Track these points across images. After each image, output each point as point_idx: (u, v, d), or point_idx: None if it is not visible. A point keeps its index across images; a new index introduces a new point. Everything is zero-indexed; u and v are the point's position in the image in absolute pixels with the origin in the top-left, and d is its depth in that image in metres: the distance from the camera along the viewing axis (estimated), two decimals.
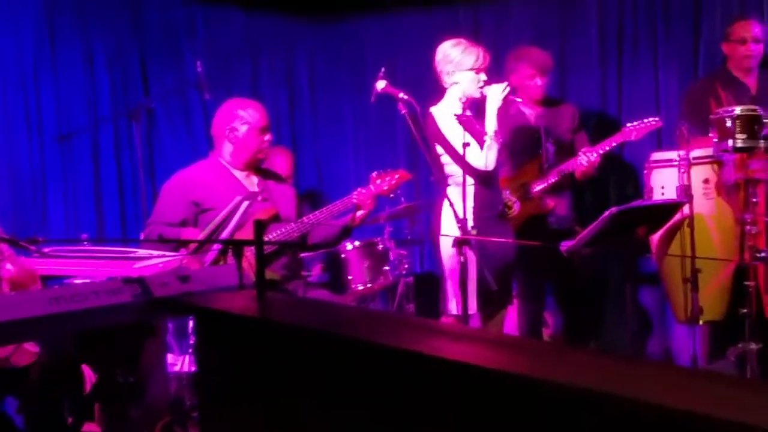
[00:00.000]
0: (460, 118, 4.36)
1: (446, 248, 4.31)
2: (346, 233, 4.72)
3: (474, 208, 4.21)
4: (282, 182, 4.88)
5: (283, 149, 5.87)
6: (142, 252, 3.39)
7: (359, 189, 4.60)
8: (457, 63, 4.48)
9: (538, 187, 5.13)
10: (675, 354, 5.60)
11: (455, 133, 4.34)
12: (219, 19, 6.39)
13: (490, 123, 4.39)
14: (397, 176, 4.71)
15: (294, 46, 6.66)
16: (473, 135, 4.34)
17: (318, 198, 6.49)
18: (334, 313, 2.29)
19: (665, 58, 6.04)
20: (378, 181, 4.70)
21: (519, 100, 4.73)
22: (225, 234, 4.29)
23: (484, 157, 4.35)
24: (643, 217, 4.47)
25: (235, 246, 3.26)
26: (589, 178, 5.28)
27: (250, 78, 6.53)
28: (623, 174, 6.05)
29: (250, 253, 3.55)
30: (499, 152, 4.45)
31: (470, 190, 4.29)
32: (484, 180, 4.41)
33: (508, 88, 4.41)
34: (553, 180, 5.16)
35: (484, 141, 4.37)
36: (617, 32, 6.14)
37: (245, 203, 4.34)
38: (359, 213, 4.60)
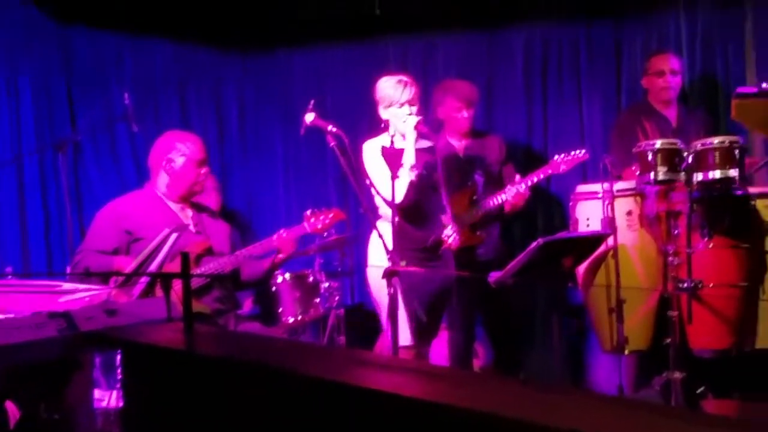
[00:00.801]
0: (384, 151, 4.38)
1: (375, 280, 4.31)
2: (270, 273, 4.74)
3: (400, 241, 4.21)
4: (216, 216, 4.87)
5: (212, 182, 5.82)
6: (67, 286, 3.34)
7: (281, 231, 4.60)
8: (383, 98, 4.53)
9: (473, 220, 5.16)
10: (602, 384, 5.65)
11: (376, 166, 4.38)
12: (147, 50, 6.35)
13: (407, 156, 4.42)
14: (331, 215, 4.74)
15: (223, 77, 6.63)
16: (394, 169, 4.37)
17: (248, 230, 6.44)
18: (262, 345, 2.28)
19: (589, 92, 6.16)
20: (312, 220, 4.71)
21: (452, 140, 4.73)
22: (153, 266, 4.25)
23: (397, 190, 4.36)
24: (569, 249, 4.51)
25: (164, 279, 3.22)
26: (518, 211, 5.32)
27: (179, 109, 6.48)
28: (550, 206, 6.12)
29: (179, 285, 3.51)
30: (418, 186, 4.45)
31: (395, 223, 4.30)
32: (404, 213, 4.41)
33: (417, 119, 4.44)
34: (486, 212, 5.18)
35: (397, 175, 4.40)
36: (542, 66, 6.24)
37: (173, 235, 4.30)
38: (279, 256, 4.62)
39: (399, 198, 4.36)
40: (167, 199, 4.61)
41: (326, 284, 5.49)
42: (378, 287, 4.35)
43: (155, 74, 6.40)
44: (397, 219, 4.31)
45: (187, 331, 2.31)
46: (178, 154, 4.61)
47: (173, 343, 2.23)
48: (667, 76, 5.47)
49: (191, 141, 4.68)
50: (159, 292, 4.16)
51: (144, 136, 5.79)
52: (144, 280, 4.25)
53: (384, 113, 4.53)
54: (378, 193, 4.38)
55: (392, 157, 4.41)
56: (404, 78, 4.56)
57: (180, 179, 4.60)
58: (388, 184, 4.26)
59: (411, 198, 4.42)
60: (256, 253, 4.56)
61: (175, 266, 4.22)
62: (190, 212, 4.66)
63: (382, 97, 4.53)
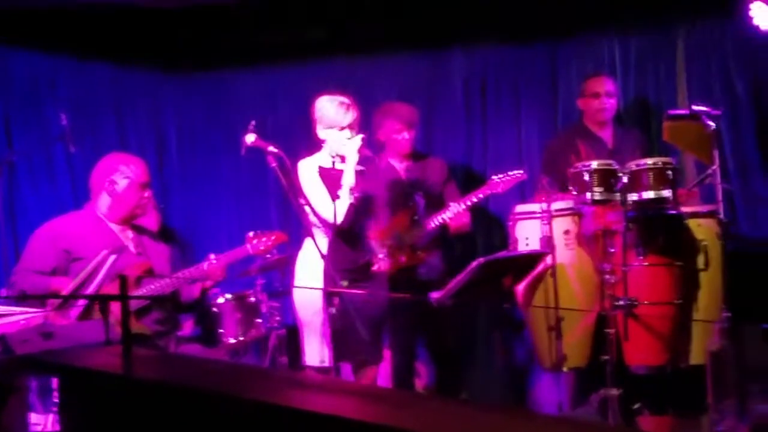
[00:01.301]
0: (323, 172, 4.37)
1: (306, 300, 4.28)
2: (202, 299, 4.70)
3: (336, 261, 4.20)
4: (157, 238, 4.83)
5: (152, 204, 5.74)
6: (2, 309, 3.27)
7: (211, 257, 4.55)
8: (322, 119, 4.52)
9: (414, 240, 5.16)
10: (542, 401, 5.69)
11: (313, 187, 4.37)
12: (84, 71, 6.27)
13: (347, 178, 4.42)
14: (273, 237, 4.74)
15: (162, 98, 6.57)
16: (330, 189, 4.36)
17: (189, 252, 6.37)
18: (202, 368, 2.25)
19: (527, 113, 6.22)
20: (254, 242, 4.68)
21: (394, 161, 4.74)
22: (92, 288, 4.19)
23: (334, 212, 4.38)
24: (508, 268, 4.55)
25: (102, 301, 3.17)
26: (464, 234, 5.33)
27: (117, 131, 6.41)
28: (490, 226, 6.15)
29: (118, 307, 3.46)
30: (357, 208, 4.46)
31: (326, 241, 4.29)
32: (339, 234, 4.40)
33: (360, 141, 4.45)
34: (426, 232, 5.17)
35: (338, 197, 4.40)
36: (481, 88, 6.29)
37: (112, 257, 4.25)
38: (207, 283, 4.58)
39: (340, 220, 4.35)
40: (108, 220, 4.56)
41: (267, 304, 5.45)
42: (302, 302, 4.33)
43: (93, 95, 6.32)
44: (333, 239, 4.31)
45: (125, 354, 2.27)
46: (121, 176, 4.57)
47: (110, 367, 2.19)
48: (602, 98, 5.53)
49: (135, 164, 4.65)
50: (98, 314, 4.09)
51: (82, 158, 5.71)
52: (82, 302, 4.18)
53: (322, 133, 4.53)
54: (314, 212, 4.37)
55: (331, 178, 4.41)
56: (345, 100, 4.56)
57: (122, 201, 4.56)
58: (324, 204, 4.26)
59: (350, 220, 4.42)
60: (188, 276, 4.51)
61: (114, 288, 4.16)
62: (130, 233, 4.61)
63: (321, 118, 4.53)
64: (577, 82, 5.90)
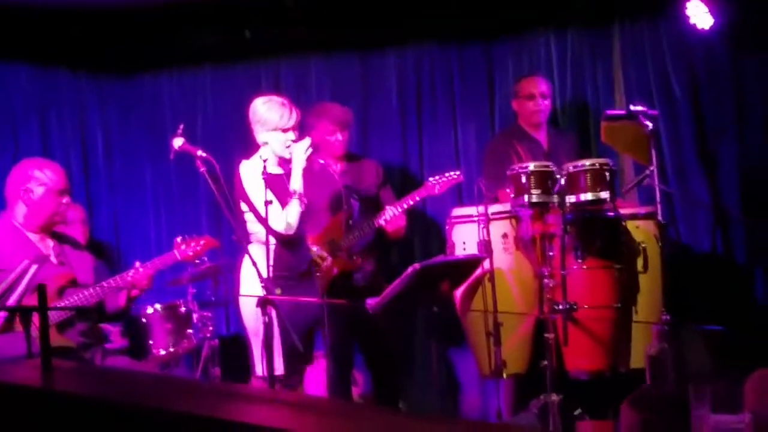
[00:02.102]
0: (266, 177, 4.33)
1: (249, 309, 4.25)
2: (127, 308, 4.62)
3: (274, 268, 4.17)
4: (80, 247, 4.72)
5: (79, 213, 5.65)
6: None
7: (137, 265, 4.48)
8: (264, 121, 4.47)
9: (349, 245, 5.15)
10: (481, 408, 5.71)
11: (259, 191, 4.31)
12: (2, 74, 6.15)
13: (295, 183, 4.39)
14: (202, 242, 4.66)
15: (86, 103, 6.46)
16: (277, 195, 4.32)
17: (117, 261, 6.29)
18: (127, 381, 2.21)
19: (463, 115, 6.23)
20: (183, 247, 4.61)
21: (321, 161, 4.74)
22: (12, 300, 4.08)
23: (284, 218, 4.34)
24: (446, 273, 4.54)
25: (22, 313, 3.10)
26: (400, 238, 5.32)
27: (39, 136, 6.29)
28: (427, 230, 6.16)
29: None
30: (304, 214, 4.44)
31: (271, 250, 4.25)
32: (286, 241, 4.38)
33: (309, 147, 4.43)
34: (362, 236, 5.18)
35: (288, 202, 4.37)
36: (416, 89, 6.30)
37: (33, 267, 4.15)
38: (133, 292, 4.50)
39: (293, 227, 4.33)
40: (25, 229, 4.45)
41: (199, 314, 5.41)
42: (250, 316, 4.29)
43: (13, 99, 6.21)
44: (276, 246, 4.27)
45: (45, 367, 2.22)
46: (36, 184, 4.44)
47: (30, 381, 2.14)
48: (537, 99, 5.55)
49: (51, 169, 4.51)
50: (20, 326, 4.00)
51: (2, 164, 5.59)
52: (2, 314, 4.09)
53: (262, 136, 4.47)
54: (259, 218, 4.32)
55: (276, 183, 4.36)
56: (286, 101, 4.52)
57: (39, 209, 4.44)
58: (271, 209, 4.21)
59: (298, 227, 4.40)
60: (113, 286, 4.42)
61: (36, 299, 4.06)
62: (51, 243, 4.50)
63: (261, 120, 4.46)
64: (513, 82, 5.91)
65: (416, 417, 1.81)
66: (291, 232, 4.36)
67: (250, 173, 4.41)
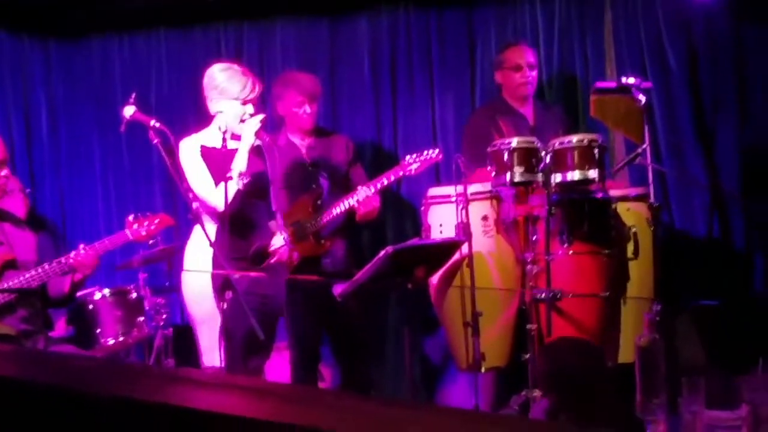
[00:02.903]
0: (207, 152, 4.32)
1: (195, 292, 4.25)
2: (72, 294, 4.61)
3: (226, 249, 4.16)
4: (20, 225, 4.70)
5: (16, 184, 5.63)
6: None
7: (80, 247, 4.46)
8: (222, 90, 4.45)
9: (318, 227, 5.15)
10: (458, 404, 5.74)
11: (196, 169, 4.32)
12: None
13: (239, 162, 4.38)
14: (157, 221, 4.63)
15: (30, 68, 6.44)
16: (214, 172, 4.31)
17: (61, 241, 6.27)
18: (69, 365, 2.22)
19: (441, 88, 6.25)
20: (135, 226, 4.59)
21: (289, 136, 4.71)
22: None
23: (220, 198, 4.33)
24: (421, 257, 4.56)
25: None
26: (373, 221, 5.35)
27: None
28: (401, 211, 6.19)
29: None
30: (247, 194, 4.42)
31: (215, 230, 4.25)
32: (227, 221, 4.36)
33: (260, 123, 4.41)
34: (332, 217, 5.20)
35: (228, 180, 4.36)
36: (390, 58, 6.31)
37: None
38: (77, 276, 4.48)
39: (222, 207, 4.30)
40: None
41: (152, 301, 5.40)
42: (196, 300, 4.29)
43: None
44: (217, 227, 4.26)
45: None
46: None
47: None
48: (524, 70, 5.55)
49: None
50: None
51: None
52: None
53: (216, 105, 4.47)
54: (196, 197, 4.32)
55: (216, 159, 4.35)
56: (247, 72, 4.51)
57: None
58: (207, 189, 4.21)
59: (236, 207, 4.37)
60: (57, 269, 4.40)
61: None
62: None
63: (220, 87, 4.45)
64: (496, 52, 5.92)
65: (390, 402, 1.83)
66: (226, 211, 4.31)
67: (187, 150, 4.42)
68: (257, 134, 4.38)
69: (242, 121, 4.43)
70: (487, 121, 5.51)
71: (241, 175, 4.34)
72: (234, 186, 4.33)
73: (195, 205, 4.37)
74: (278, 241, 4.48)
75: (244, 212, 4.43)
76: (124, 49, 6.50)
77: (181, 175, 4.30)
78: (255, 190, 4.45)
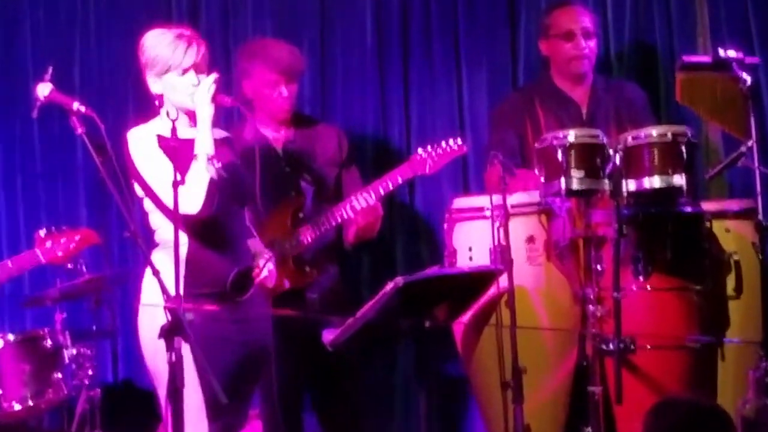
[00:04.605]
0: (164, 144, 4.23)
1: (151, 341, 4.15)
2: None
3: (190, 280, 4.08)
4: None
5: None
6: None
7: None
8: (154, 62, 4.38)
9: (299, 248, 5.15)
10: None
11: (158, 162, 4.23)
12: None
13: (203, 140, 4.28)
14: (77, 237, 4.65)
15: None
16: (177, 167, 4.21)
17: None
18: None
19: (470, 61, 6.23)
20: (48, 244, 4.56)
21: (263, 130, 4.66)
22: None
23: (188, 193, 4.22)
24: (442, 293, 4.55)
25: None
26: (373, 239, 5.32)
27: None
28: (415, 228, 6.17)
29: None
30: (224, 187, 4.33)
31: (183, 252, 4.15)
32: (201, 235, 4.26)
33: (214, 84, 4.33)
34: (318, 235, 5.17)
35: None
36: (401, 21, 6.29)
37: None
38: None
39: (195, 206, 4.20)
40: None
41: (73, 350, 5.36)
42: (154, 348, 4.19)
43: None
44: (188, 246, 4.18)
45: None
46: None
47: None
48: (577, 38, 5.52)
49: None
50: None
51: None
52: None
53: (156, 84, 4.39)
54: (158, 204, 4.23)
55: (176, 150, 4.25)
56: (185, 32, 4.45)
57: None
58: (181, 191, 4.11)
59: (212, 205, 4.27)
60: None
61: None
62: None
63: (151, 60, 4.38)
64: (543, 13, 5.88)
65: None
66: (201, 212, 4.23)
67: (140, 142, 4.33)
68: (215, 99, 4.30)
69: (190, 94, 4.35)
70: (519, 107, 5.55)
71: (210, 159, 4.25)
72: (204, 174, 4.22)
73: (154, 218, 4.29)
74: (262, 261, 4.42)
75: (217, 223, 4.34)
76: (38, 6, 6.43)
77: (119, 176, 4.19)
78: (231, 189, 4.37)
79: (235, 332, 4.29)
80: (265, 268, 4.42)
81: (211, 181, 4.23)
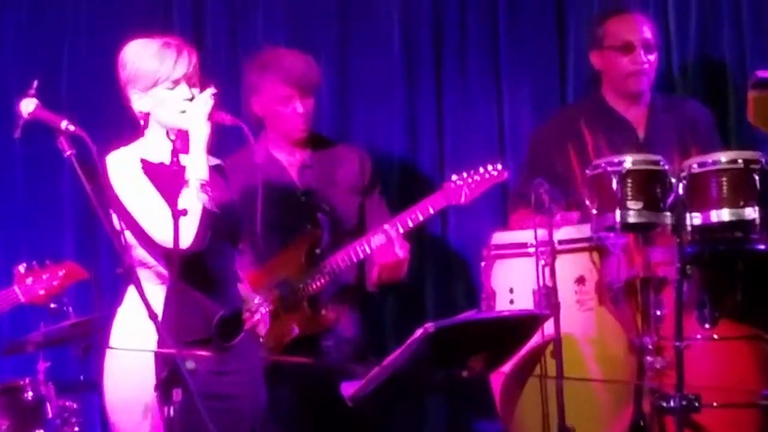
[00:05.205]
0: (150, 168, 4.24)
1: (128, 394, 4.17)
2: None
3: (164, 323, 4.07)
4: None
5: None
6: None
7: None
8: (137, 77, 4.38)
9: (314, 289, 5.16)
10: None
11: (141, 188, 4.24)
12: None
13: (197, 165, 4.29)
14: (61, 273, 4.68)
15: None
16: (168, 195, 4.23)
17: None
18: None
19: (512, 74, 6.26)
20: (28, 281, 4.57)
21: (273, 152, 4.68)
22: None
23: (185, 229, 4.17)
24: (478, 340, 4.54)
25: None
26: (400, 280, 5.34)
27: None
28: (448, 266, 6.19)
29: None
30: (217, 220, 4.34)
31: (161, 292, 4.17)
32: (187, 271, 4.21)
33: (211, 98, 4.33)
34: (336, 274, 5.19)
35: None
36: (433, 27, 6.31)
37: None
38: None
39: (186, 239, 4.20)
40: None
41: (57, 404, 5.36)
42: (126, 410, 4.21)
43: None
44: (168, 283, 4.18)
45: None
46: None
47: None
48: (637, 51, 5.54)
49: None
50: None
51: None
52: None
53: (141, 101, 4.39)
54: (140, 237, 4.24)
55: (164, 177, 4.26)
56: (171, 40, 4.46)
57: None
58: (158, 219, 4.12)
59: (205, 239, 4.27)
60: None
61: None
62: None
63: (135, 74, 4.37)
64: (595, 21, 5.86)
65: None
66: (192, 246, 4.24)
67: (122, 166, 4.32)
68: (213, 117, 4.30)
69: (183, 112, 4.35)
70: (562, 129, 5.57)
71: (203, 185, 4.24)
72: (195, 202, 4.23)
73: (138, 251, 4.30)
74: (255, 303, 4.41)
75: (205, 262, 4.35)
76: (19, 6, 6.49)
77: (111, 205, 4.21)
78: (222, 224, 4.37)
79: (219, 386, 4.29)
80: (258, 312, 4.42)
81: (204, 211, 4.23)
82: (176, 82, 4.32)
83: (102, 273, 5.73)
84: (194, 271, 4.23)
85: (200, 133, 4.26)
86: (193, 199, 4.19)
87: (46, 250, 5.96)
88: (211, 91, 4.30)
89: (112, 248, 4.52)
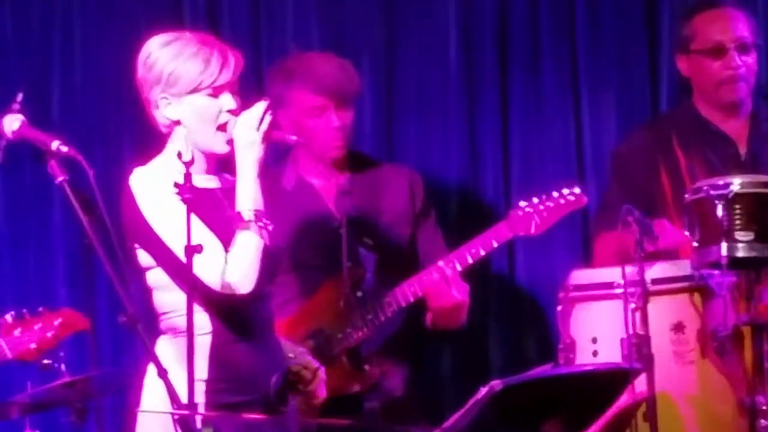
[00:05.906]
0: (185, 192, 4.20)
1: None
2: None
3: (208, 382, 4.04)
4: None
5: None
6: None
7: None
8: (170, 79, 4.34)
9: (356, 340, 5.19)
10: None
11: (174, 223, 4.20)
12: None
13: (245, 196, 4.26)
14: (57, 323, 4.69)
15: None
16: (212, 225, 4.19)
17: None
18: None
19: (593, 82, 6.28)
20: (16, 332, 4.58)
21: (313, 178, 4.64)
22: None
23: (227, 267, 4.20)
24: (554, 400, 4.45)
25: None
26: (458, 327, 5.31)
27: None
28: (518, 310, 6.18)
29: None
30: (276, 257, 4.31)
31: (204, 343, 4.12)
32: (233, 320, 4.25)
33: (268, 116, 4.28)
34: (381, 322, 5.19)
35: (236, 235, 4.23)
36: (498, 31, 6.34)
37: None
38: None
39: (247, 283, 4.19)
40: None
41: None
42: None
43: None
44: (212, 336, 4.16)
45: None
46: None
47: None
48: (730, 54, 5.54)
49: None
50: None
51: None
52: None
53: (172, 108, 4.36)
54: (176, 277, 4.19)
55: (206, 206, 4.23)
56: (209, 39, 4.43)
57: None
58: (213, 254, 4.08)
59: (268, 281, 4.26)
60: None
61: None
62: None
63: (170, 76, 4.35)
64: (682, 19, 5.88)
65: None
66: (246, 291, 4.21)
67: (151, 188, 4.29)
68: (270, 137, 4.26)
69: (221, 127, 4.30)
70: (650, 146, 5.56)
71: (258, 215, 4.20)
72: (253, 241, 4.18)
73: (161, 298, 4.25)
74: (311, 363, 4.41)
75: (261, 303, 4.32)
76: (4, 13, 6.49)
77: (112, 236, 4.16)
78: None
79: None
80: (317, 376, 4.39)
81: (264, 249, 4.20)
82: (219, 90, 4.29)
83: (100, 323, 5.70)
84: (237, 317, 4.21)
85: (251, 156, 4.24)
86: (252, 235, 4.17)
87: (34, 295, 5.97)
88: (264, 104, 4.26)
89: (113, 293, 4.48)
